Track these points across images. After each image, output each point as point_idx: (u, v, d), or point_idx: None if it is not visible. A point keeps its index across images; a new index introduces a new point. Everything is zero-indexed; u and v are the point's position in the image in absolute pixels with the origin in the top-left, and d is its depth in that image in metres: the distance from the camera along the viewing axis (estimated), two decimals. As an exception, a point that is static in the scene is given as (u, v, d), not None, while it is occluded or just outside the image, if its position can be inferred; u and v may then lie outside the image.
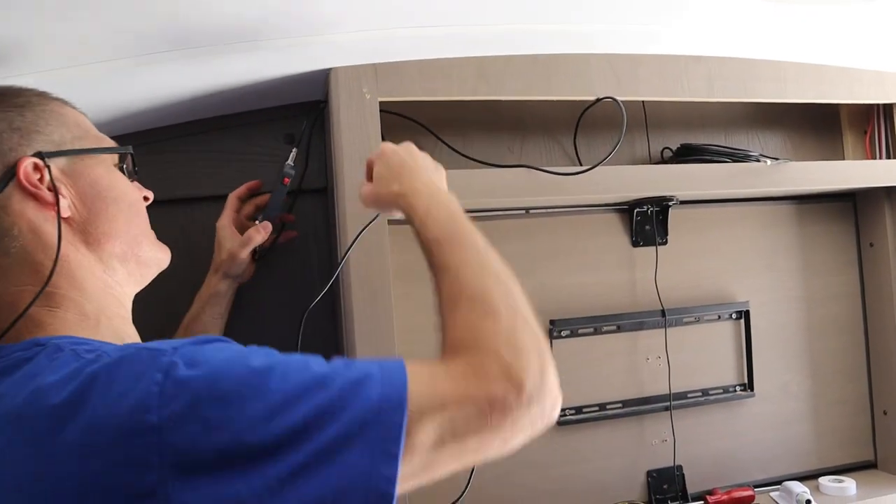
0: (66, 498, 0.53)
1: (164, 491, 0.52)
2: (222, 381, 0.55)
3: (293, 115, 1.28)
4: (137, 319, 0.79)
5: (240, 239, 1.13)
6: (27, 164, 0.70)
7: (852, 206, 1.59)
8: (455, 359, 0.67)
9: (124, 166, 0.80)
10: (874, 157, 1.57)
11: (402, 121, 1.27)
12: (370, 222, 1.06)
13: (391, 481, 0.56)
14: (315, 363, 0.61)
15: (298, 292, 1.23)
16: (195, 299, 1.15)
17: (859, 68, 1.42)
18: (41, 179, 0.71)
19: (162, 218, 1.23)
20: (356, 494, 0.56)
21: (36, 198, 0.70)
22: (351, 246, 1.05)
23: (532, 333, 0.72)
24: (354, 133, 1.10)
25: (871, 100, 1.45)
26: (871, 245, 1.56)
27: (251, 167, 1.26)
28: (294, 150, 1.21)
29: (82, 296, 0.71)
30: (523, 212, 1.38)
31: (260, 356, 0.59)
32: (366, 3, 0.96)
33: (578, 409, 1.37)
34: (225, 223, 1.15)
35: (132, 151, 0.81)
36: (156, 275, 0.83)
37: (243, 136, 1.27)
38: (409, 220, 0.85)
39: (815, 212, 1.56)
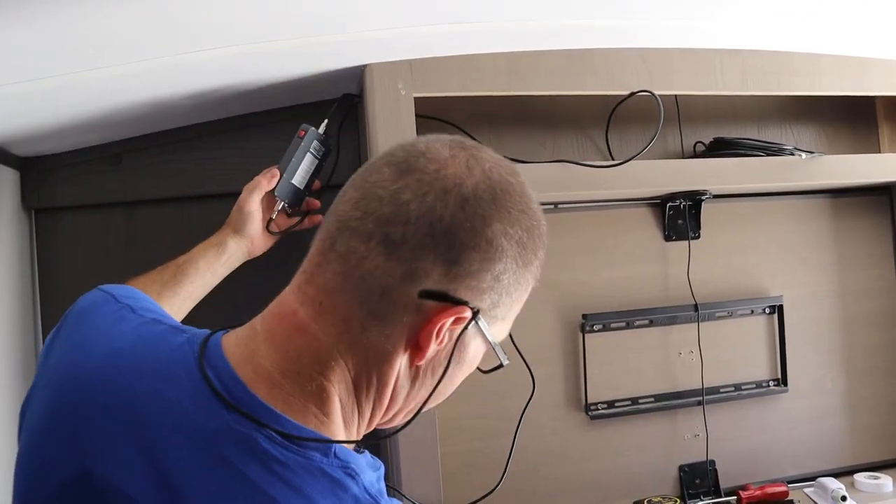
0: None
1: None
2: None
3: (322, 112, 1.29)
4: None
5: (247, 185, 1.11)
6: (454, 316, 0.60)
7: (888, 199, 1.57)
8: None
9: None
10: (911, 150, 1.55)
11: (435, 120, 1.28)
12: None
13: None
14: None
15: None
16: (201, 243, 1.09)
17: (895, 59, 1.40)
18: (449, 336, 0.62)
19: (195, 214, 1.27)
20: None
21: (423, 336, 0.61)
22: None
23: None
24: (389, 129, 1.12)
25: (908, 91, 1.43)
26: (908, 239, 1.54)
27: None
28: (325, 121, 1.19)
29: (357, 415, 0.64)
30: (553, 207, 1.38)
31: None
32: (401, 1, 0.98)
33: (610, 404, 1.38)
34: (250, 186, 1.11)
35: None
36: None
37: (277, 133, 1.28)
38: None
39: (849, 205, 1.54)
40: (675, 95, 1.43)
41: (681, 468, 1.42)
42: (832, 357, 1.52)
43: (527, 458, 1.30)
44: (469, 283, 0.60)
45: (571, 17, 1.11)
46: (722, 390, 1.44)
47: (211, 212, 1.26)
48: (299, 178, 1.15)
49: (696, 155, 1.46)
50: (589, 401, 1.36)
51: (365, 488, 0.58)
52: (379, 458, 0.68)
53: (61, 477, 0.59)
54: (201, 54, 1.01)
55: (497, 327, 0.67)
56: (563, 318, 1.36)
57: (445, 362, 0.64)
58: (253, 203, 1.09)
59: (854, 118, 1.59)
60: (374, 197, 0.61)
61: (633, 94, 1.25)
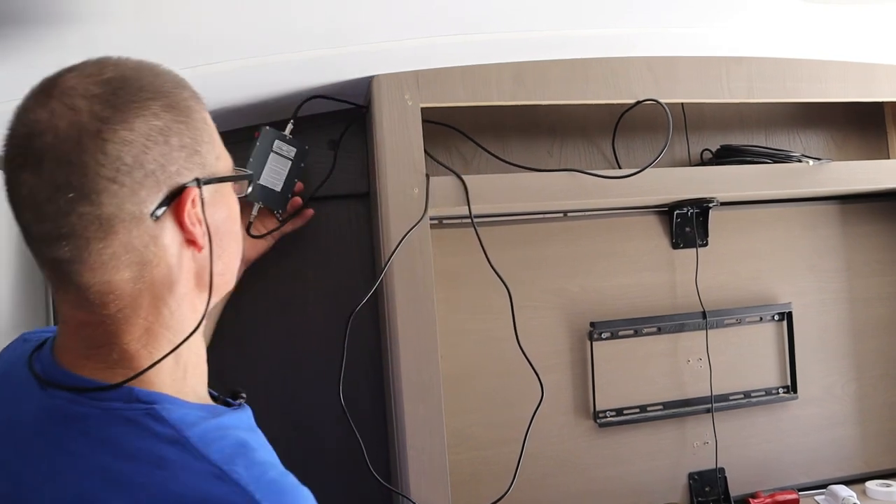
0: None
1: None
2: None
3: (333, 122, 1.30)
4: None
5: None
6: (190, 198, 0.62)
7: (898, 205, 1.57)
8: None
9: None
10: (920, 156, 1.54)
11: (442, 128, 1.29)
12: (413, 226, 1.08)
13: None
14: None
15: (341, 296, 1.25)
16: None
17: (904, 65, 1.40)
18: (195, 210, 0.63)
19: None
20: None
21: (188, 234, 0.63)
22: (395, 249, 1.08)
23: None
24: (397, 138, 1.13)
25: (917, 97, 1.43)
26: (918, 245, 1.53)
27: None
28: (291, 122, 1.18)
29: (179, 338, 0.66)
30: (562, 215, 1.39)
31: None
32: (406, 12, 0.98)
33: (619, 411, 1.38)
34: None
35: (252, 177, 0.75)
36: None
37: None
38: None
39: (859, 212, 1.54)
40: (682, 103, 1.43)
41: (690, 476, 1.42)
42: (842, 364, 1.51)
43: (535, 465, 1.31)
44: (161, 175, 0.61)
45: (576, 27, 1.12)
46: (731, 397, 1.44)
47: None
48: (268, 179, 1.15)
49: (703, 163, 1.46)
50: (597, 408, 1.36)
51: (172, 425, 0.60)
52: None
53: None
54: (207, 68, 1.03)
55: (218, 165, 0.67)
56: (571, 326, 1.37)
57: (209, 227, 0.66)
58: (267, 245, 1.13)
59: (863, 124, 1.58)
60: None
61: (638, 102, 1.25)
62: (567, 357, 1.36)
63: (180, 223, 0.63)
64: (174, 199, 0.62)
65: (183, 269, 0.64)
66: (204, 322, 0.68)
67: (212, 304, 0.69)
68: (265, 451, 0.64)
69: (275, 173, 1.16)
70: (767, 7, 1.10)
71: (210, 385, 0.75)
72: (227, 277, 0.71)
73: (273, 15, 0.91)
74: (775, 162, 1.35)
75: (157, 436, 0.59)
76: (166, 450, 0.59)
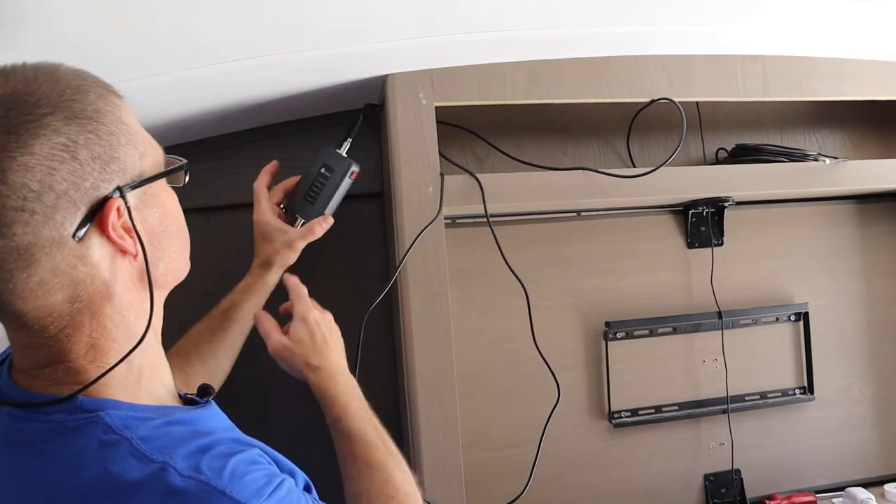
0: None
1: None
2: None
3: (347, 122, 1.30)
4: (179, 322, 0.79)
5: (298, 231, 1.10)
6: (114, 210, 0.59)
7: (916, 204, 1.55)
8: None
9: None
10: (939, 155, 1.52)
11: (456, 127, 1.29)
12: (427, 225, 1.08)
13: None
14: None
15: (355, 296, 1.25)
16: (241, 289, 1.09)
17: (921, 63, 1.39)
18: (118, 220, 0.61)
19: (216, 225, 1.29)
20: None
21: (117, 247, 0.61)
22: (410, 248, 1.08)
23: None
24: (411, 138, 1.13)
25: (935, 95, 1.41)
26: (937, 245, 1.52)
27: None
28: (348, 141, 1.17)
29: (130, 345, 0.64)
30: (575, 214, 1.38)
31: None
32: (421, 10, 0.98)
33: (634, 412, 1.37)
34: (267, 218, 1.10)
35: (188, 165, 0.71)
36: None
37: (299, 143, 1.30)
38: (316, 395, 0.92)
39: (876, 211, 1.52)
40: (697, 102, 1.42)
41: (706, 477, 1.40)
42: (860, 365, 1.50)
43: (550, 466, 1.30)
44: (75, 194, 0.57)
45: (591, 25, 1.11)
46: (747, 398, 1.42)
47: (231, 223, 1.28)
48: (318, 196, 1.13)
49: (718, 162, 1.45)
50: (612, 409, 1.35)
51: (115, 430, 0.58)
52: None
53: None
54: (221, 67, 1.03)
55: (143, 164, 0.64)
56: (586, 326, 1.36)
57: (139, 234, 0.63)
58: (304, 244, 1.11)
59: (880, 123, 1.57)
60: None
61: (652, 101, 1.24)
62: (582, 357, 1.35)
63: (107, 237, 0.60)
64: (95, 214, 0.59)
65: (120, 279, 0.62)
66: (155, 322, 0.66)
67: (158, 302, 0.67)
68: (217, 440, 0.61)
69: (317, 189, 1.13)
70: (787, 5, 1.09)
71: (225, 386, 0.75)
72: (173, 275, 0.69)
73: (287, 12, 0.91)
74: (791, 161, 1.34)
75: (101, 442, 0.58)
76: (110, 455, 0.57)
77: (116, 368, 0.62)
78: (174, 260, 0.69)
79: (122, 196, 0.60)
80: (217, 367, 1.05)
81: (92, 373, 0.62)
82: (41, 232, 0.56)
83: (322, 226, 1.11)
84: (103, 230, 0.59)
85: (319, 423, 0.93)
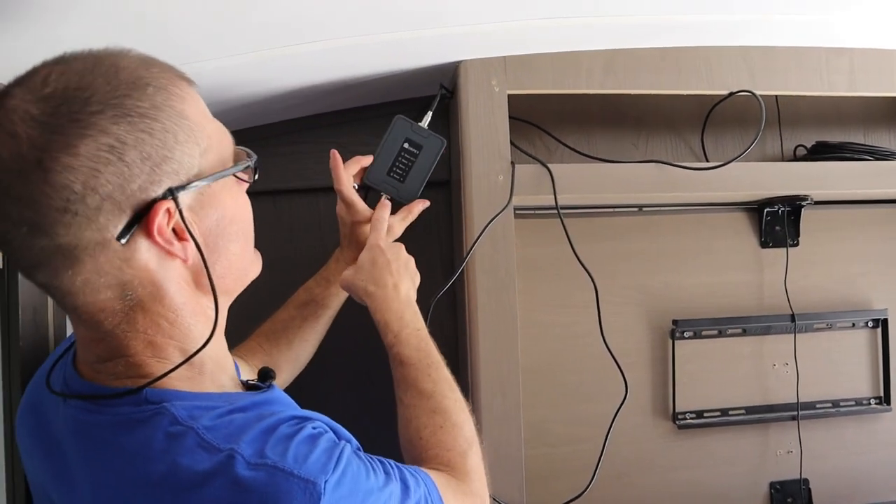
0: None
1: None
2: None
3: (415, 109, 1.29)
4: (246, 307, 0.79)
5: (396, 216, 1.06)
6: (161, 214, 0.57)
7: None
8: (453, 478, 0.80)
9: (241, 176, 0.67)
10: None
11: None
12: (497, 214, 1.06)
13: None
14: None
15: (420, 284, 1.24)
16: (318, 277, 1.08)
17: None
18: (168, 223, 0.59)
19: (284, 207, 1.30)
20: None
21: (166, 251, 0.60)
22: (479, 237, 1.06)
23: (482, 462, 0.86)
24: (482, 125, 1.11)
25: None
26: None
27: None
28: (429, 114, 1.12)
29: (190, 345, 0.63)
30: (637, 209, 1.35)
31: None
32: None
33: (699, 413, 1.33)
34: (353, 197, 1.04)
35: (257, 161, 0.68)
36: None
37: (370, 130, 1.29)
38: (374, 320, 0.93)
39: (964, 215, 1.45)
40: (776, 96, 1.37)
41: (772, 485, 1.36)
42: (941, 376, 1.42)
43: (611, 464, 1.27)
44: (120, 196, 0.56)
45: (672, 13, 1.08)
46: (818, 406, 1.37)
47: (299, 206, 1.28)
48: (397, 170, 1.09)
49: (796, 159, 1.40)
50: (677, 409, 1.32)
51: (181, 421, 0.58)
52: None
53: None
54: (298, 48, 1.03)
55: (203, 161, 0.61)
56: (652, 324, 1.33)
57: (194, 236, 0.61)
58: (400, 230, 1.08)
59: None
60: None
61: (731, 94, 1.20)
62: (647, 355, 1.32)
63: (153, 241, 0.58)
64: (141, 217, 0.57)
65: (172, 280, 0.61)
66: (221, 324, 0.66)
67: (224, 306, 0.67)
68: (278, 420, 0.61)
69: (404, 165, 1.09)
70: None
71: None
72: (232, 278, 0.67)
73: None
74: (875, 160, 1.28)
75: (167, 433, 0.58)
76: (178, 446, 0.57)
77: (177, 369, 0.62)
78: (233, 263, 0.66)
79: (174, 198, 0.58)
80: (304, 352, 1.06)
81: (153, 367, 0.62)
82: (83, 234, 0.55)
83: (419, 207, 1.08)
84: (149, 234, 0.58)
85: (377, 406, 0.94)
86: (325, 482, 0.57)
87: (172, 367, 0.61)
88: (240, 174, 0.66)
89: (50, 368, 0.69)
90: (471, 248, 1.07)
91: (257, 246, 1.08)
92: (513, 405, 1.08)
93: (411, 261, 1.00)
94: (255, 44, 1.00)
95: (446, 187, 1.29)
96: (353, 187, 1.05)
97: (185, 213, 0.59)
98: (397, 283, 0.95)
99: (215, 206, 0.62)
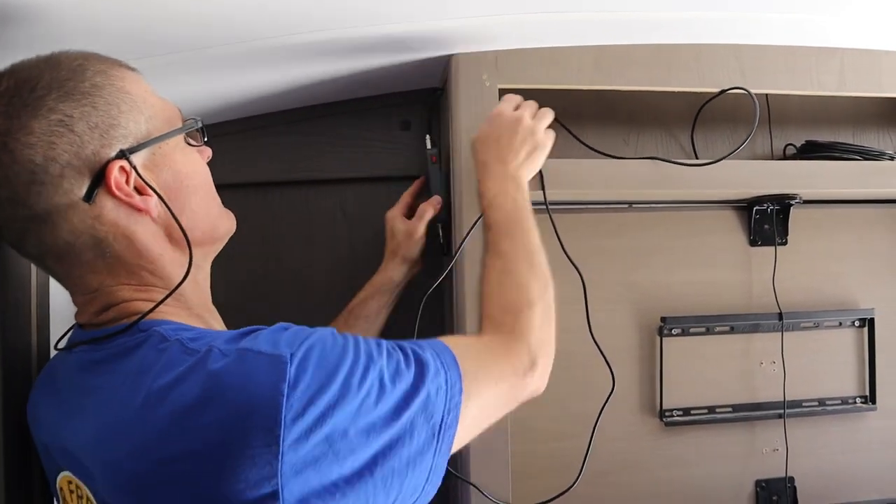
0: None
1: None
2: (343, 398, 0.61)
3: (407, 103, 1.30)
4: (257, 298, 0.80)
5: (411, 221, 1.16)
6: (116, 171, 0.66)
7: None
8: (496, 335, 0.84)
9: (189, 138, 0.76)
10: None
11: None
12: (487, 210, 1.06)
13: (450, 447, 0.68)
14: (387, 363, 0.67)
15: (413, 279, 1.24)
16: (367, 285, 1.17)
17: None
18: (128, 181, 0.67)
19: (279, 199, 1.29)
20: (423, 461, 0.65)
21: (128, 204, 0.67)
22: (469, 232, 1.06)
23: (551, 329, 0.90)
24: (473, 120, 1.10)
25: None
26: None
27: (366, 153, 1.29)
28: (427, 136, 1.22)
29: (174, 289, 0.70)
30: (627, 206, 1.35)
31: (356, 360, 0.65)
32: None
33: (686, 411, 1.33)
34: (396, 213, 1.18)
35: (202, 124, 0.76)
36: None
37: (359, 122, 1.29)
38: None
39: (951, 216, 1.46)
40: (767, 95, 1.37)
41: (757, 483, 1.36)
42: (926, 376, 1.43)
43: (597, 462, 1.26)
44: (77, 162, 0.64)
45: (664, 9, 1.08)
46: (805, 404, 1.38)
47: (297, 198, 1.28)
48: (435, 190, 1.19)
49: (786, 158, 1.40)
50: (664, 407, 1.32)
51: (164, 336, 0.64)
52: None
53: None
54: (285, 40, 1.02)
55: (150, 126, 0.69)
56: (640, 321, 1.33)
57: (154, 188, 0.69)
58: (421, 227, 1.15)
59: (959, 123, 1.50)
60: None
61: (723, 91, 1.20)
62: (635, 352, 1.32)
63: (114, 196, 0.66)
64: (101, 179, 0.65)
65: (144, 234, 0.69)
66: (200, 277, 0.75)
67: (200, 257, 0.74)
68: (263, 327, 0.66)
69: (435, 171, 1.20)
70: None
71: None
72: (199, 230, 0.73)
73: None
74: (864, 160, 1.29)
75: (157, 350, 0.63)
76: (166, 357, 0.62)
77: (166, 302, 0.69)
78: (197, 216, 0.73)
79: (126, 157, 0.66)
80: None
81: (143, 306, 0.69)
82: (53, 199, 0.64)
83: (432, 205, 1.16)
84: (110, 192, 0.66)
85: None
86: (292, 354, 0.59)
87: (162, 299, 0.69)
88: (189, 138, 0.75)
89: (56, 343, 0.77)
90: (461, 244, 1.07)
91: (244, 238, 1.09)
92: (500, 432, 1.08)
93: (539, 127, 1.02)
94: (260, 32, 0.99)
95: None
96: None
97: (141, 171, 0.67)
98: (510, 155, 0.99)
99: (169, 165, 0.70)
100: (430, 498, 0.69)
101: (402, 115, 1.29)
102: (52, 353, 0.79)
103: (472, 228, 1.06)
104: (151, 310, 0.67)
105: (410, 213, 1.20)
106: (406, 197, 1.21)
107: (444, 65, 1.15)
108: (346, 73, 1.15)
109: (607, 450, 1.29)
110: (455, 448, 0.70)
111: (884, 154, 1.29)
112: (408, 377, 0.66)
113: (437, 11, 1.01)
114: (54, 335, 0.95)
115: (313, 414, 0.58)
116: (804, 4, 1.07)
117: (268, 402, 0.56)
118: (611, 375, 1.08)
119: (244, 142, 1.28)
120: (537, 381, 0.85)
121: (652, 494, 1.32)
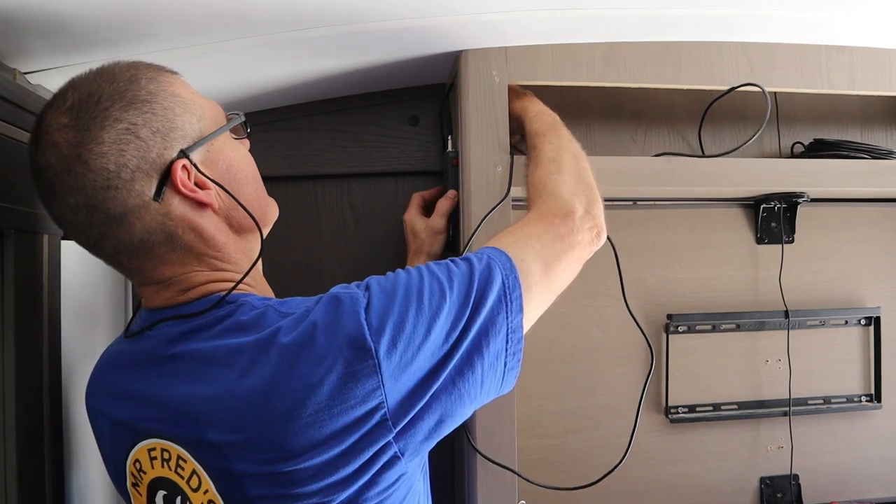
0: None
1: None
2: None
3: (416, 98, 1.30)
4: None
5: (431, 218, 1.17)
6: (179, 170, 0.71)
7: None
8: (535, 208, 0.92)
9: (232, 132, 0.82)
10: None
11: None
12: (496, 205, 1.06)
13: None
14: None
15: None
16: None
17: None
18: (189, 178, 0.73)
19: (287, 193, 1.29)
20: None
21: (193, 199, 0.73)
22: (477, 228, 1.06)
23: (583, 183, 0.95)
24: (482, 116, 1.10)
25: None
26: None
27: (374, 147, 1.29)
28: (448, 137, 1.22)
29: (242, 272, 0.77)
30: (632, 203, 1.35)
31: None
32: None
33: (692, 408, 1.34)
34: (413, 213, 1.20)
35: (244, 118, 0.82)
36: None
37: (367, 117, 1.29)
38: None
39: (958, 215, 1.45)
40: (775, 93, 1.37)
41: (762, 480, 1.37)
42: (931, 375, 1.43)
43: (603, 457, 1.28)
44: (145, 166, 0.70)
45: (674, 6, 1.07)
46: (810, 402, 1.38)
47: (305, 192, 1.28)
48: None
49: (793, 156, 1.40)
50: (669, 403, 1.32)
51: (254, 305, 0.72)
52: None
53: None
54: (297, 35, 1.02)
55: (202, 125, 0.75)
56: (647, 317, 1.33)
57: (214, 180, 0.75)
58: (442, 223, 1.17)
59: (967, 122, 1.49)
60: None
61: (732, 88, 1.20)
62: (641, 348, 1.32)
63: (181, 193, 0.72)
64: (167, 178, 0.71)
65: (210, 225, 0.75)
66: (260, 263, 0.81)
67: (254, 241, 0.80)
68: None
69: (455, 174, 1.19)
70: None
71: None
72: (255, 216, 0.78)
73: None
74: (872, 158, 1.28)
75: (254, 315, 0.71)
76: (262, 319, 0.70)
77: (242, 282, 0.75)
78: (251, 203, 0.79)
79: (186, 156, 0.72)
80: None
81: (222, 286, 0.75)
82: (127, 202, 0.70)
83: (449, 199, 1.17)
84: (176, 189, 0.72)
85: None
86: (368, 285, 0.72)
87: (244, 275, 0.76)
88: (234, 131, 0.81)
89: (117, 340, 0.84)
90: (469, 240, 1.07)
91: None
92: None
93: None
94: (257, 29, 0.99)
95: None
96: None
97: (200, 167, 0.73)
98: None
99: (222, 159, 0.76)
100: (518, 359, 0.81)
101: (411, 111, 1.29)
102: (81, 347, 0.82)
103: (480, 224, 1.06)
104: (238, 283, 0.74)
105: (426, 211, 1.20)
106: (418, 198, 1.22)
107: (453, 60, 1.15)
108: (356, 68, 1.15)
109: (613, 444, 1.29)
110: (530, 316, 0.82)
111: (892, 153, 1.29)
112: (463, 279, 0.75)
113: (448, 7, 1.01)
114: (65, 338, 0.97)
115: (390, 326, 0.68)
116: (814, 2, 1.07)
117: (355, 327, 0.67)
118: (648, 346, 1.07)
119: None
120: (584, 222, 0.90)
121: (657, 489, 1.33)
